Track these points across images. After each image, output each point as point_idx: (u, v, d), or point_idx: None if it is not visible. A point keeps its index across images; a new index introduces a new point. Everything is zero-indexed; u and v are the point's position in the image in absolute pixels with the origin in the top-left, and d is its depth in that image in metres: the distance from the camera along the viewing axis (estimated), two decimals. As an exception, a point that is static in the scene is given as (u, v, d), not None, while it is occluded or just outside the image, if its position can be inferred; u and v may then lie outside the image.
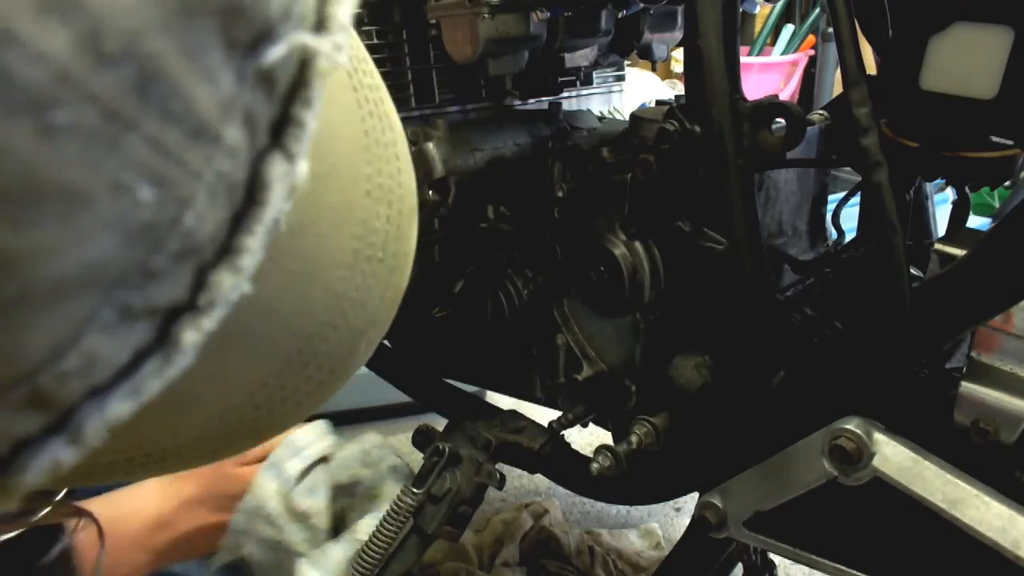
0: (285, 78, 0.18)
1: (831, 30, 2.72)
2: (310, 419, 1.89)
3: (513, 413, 0.90)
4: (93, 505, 0.69)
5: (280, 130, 0.19)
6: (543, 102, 0.93)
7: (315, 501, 0.81)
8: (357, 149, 0.28)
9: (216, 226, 0.18)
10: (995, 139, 0.53)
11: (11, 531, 0.64)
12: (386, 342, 0.96)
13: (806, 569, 0.57)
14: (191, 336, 0.18)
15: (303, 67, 0.19)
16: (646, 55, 0.90)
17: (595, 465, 0.59)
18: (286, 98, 0.19)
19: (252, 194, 0.18)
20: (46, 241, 0.15)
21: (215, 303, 0.18)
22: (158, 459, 0.27)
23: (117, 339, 0.17)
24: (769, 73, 3.06)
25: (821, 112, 0.71)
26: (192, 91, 0.17)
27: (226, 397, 0.26)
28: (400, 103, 0.83)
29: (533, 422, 0.78)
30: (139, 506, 0.75)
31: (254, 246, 0.19)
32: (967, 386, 0.50)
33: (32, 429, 0.17)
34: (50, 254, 0.16)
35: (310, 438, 0.87)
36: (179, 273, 0.18)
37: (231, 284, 0.18)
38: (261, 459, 0.82)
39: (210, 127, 0.17)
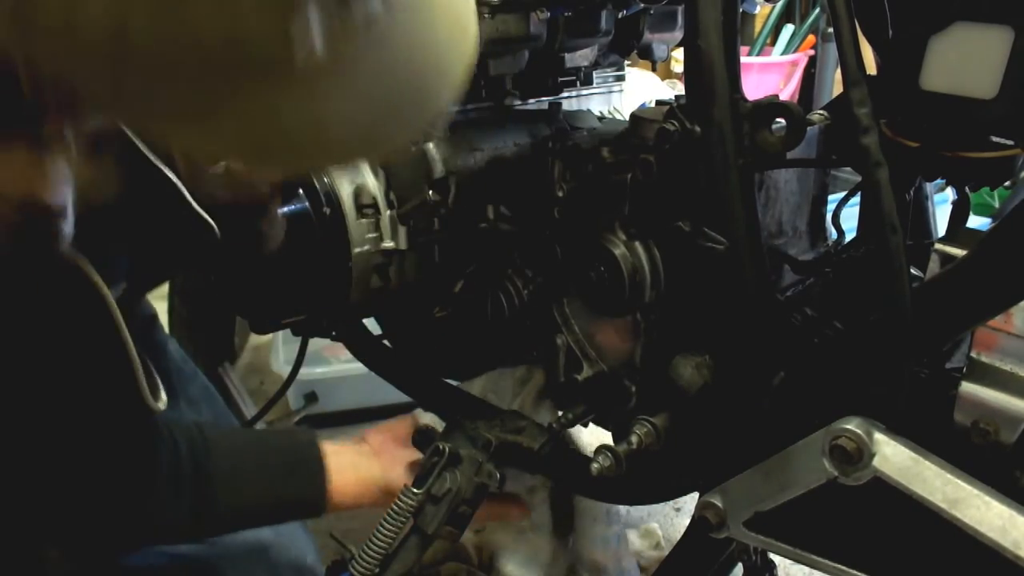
0: None
1: (831, 30, 2.71)
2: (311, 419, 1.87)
3: (513, 413, 0.90)
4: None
5: None
6: (543, 102, 0.93)
7: None
8: None
9: None
10: (995, 139, 0.53)
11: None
12: (386, 342, 0.96)
13: (806, 569, 0.57)
14: None
15: None
16: (646, 55, 0.90)
17: (595, 465, 0.59)
18: None
19: None
20: None
21: None
22: None
23: None
24: (769, 73, 3.06)
25: (821, 112, 0.71)
26: None
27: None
28: (400, 103, 0.83)
29: (533, 422, 0.78)
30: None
31: None
32: (967, 386, 0.50)
33: None
34: None
35: None
36: None
37: None
38: None
39: None
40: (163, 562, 0.78)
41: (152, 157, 0.59)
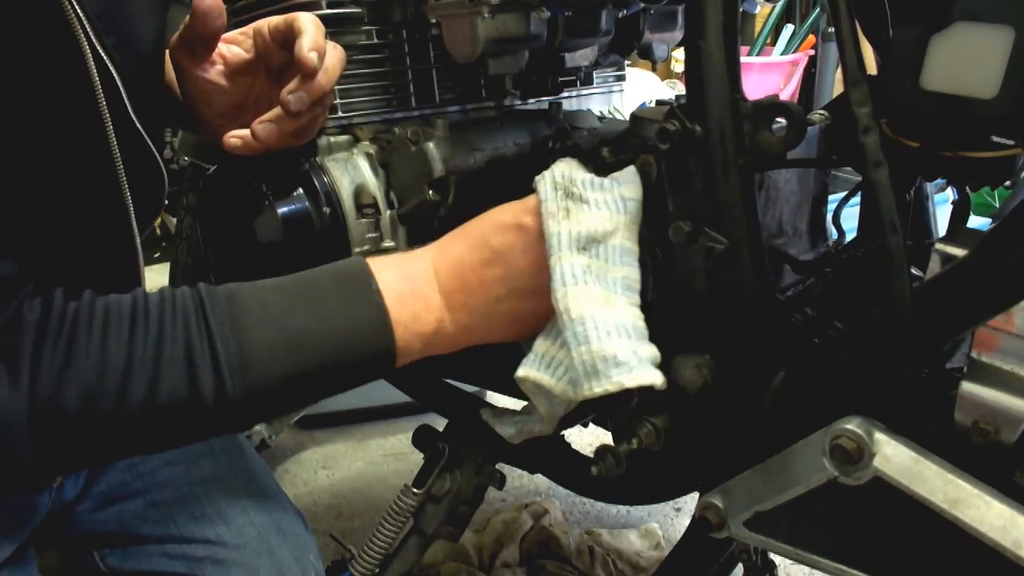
0: None
1: (831, 30, 2.72)
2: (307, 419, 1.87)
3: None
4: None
5: None
6: (543, 102, 0.93)
7: None
8: None
9: None
10: (995, 139, 0.53)
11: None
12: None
13: (806, 569, 0.58)
14: None
15: None
16: (646, 55, 0.90)
17: (595, 465, 0.59)
18: None
19: None
20: None
21: None
22: None
23: None
24: (769, 73, 3.06)
25: (821, 112, 0.71)
26: None
27: None
28: (400, 103, 0.83)
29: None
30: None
31: None
32: (967, 386, 0.50)
33: None
34: None
35: None
36: None
37: None
38: None
39: None
40: (167, 566, 0.78)
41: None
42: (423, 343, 0.59)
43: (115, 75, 0.60)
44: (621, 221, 0.57)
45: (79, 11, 0.56)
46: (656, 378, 0.54)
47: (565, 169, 0.60)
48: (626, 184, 0.59)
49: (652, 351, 0.56)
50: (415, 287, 0.59)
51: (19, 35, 0.52)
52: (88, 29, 0.57)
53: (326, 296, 0.56)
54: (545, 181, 0.59)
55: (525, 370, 0.58)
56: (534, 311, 0.60)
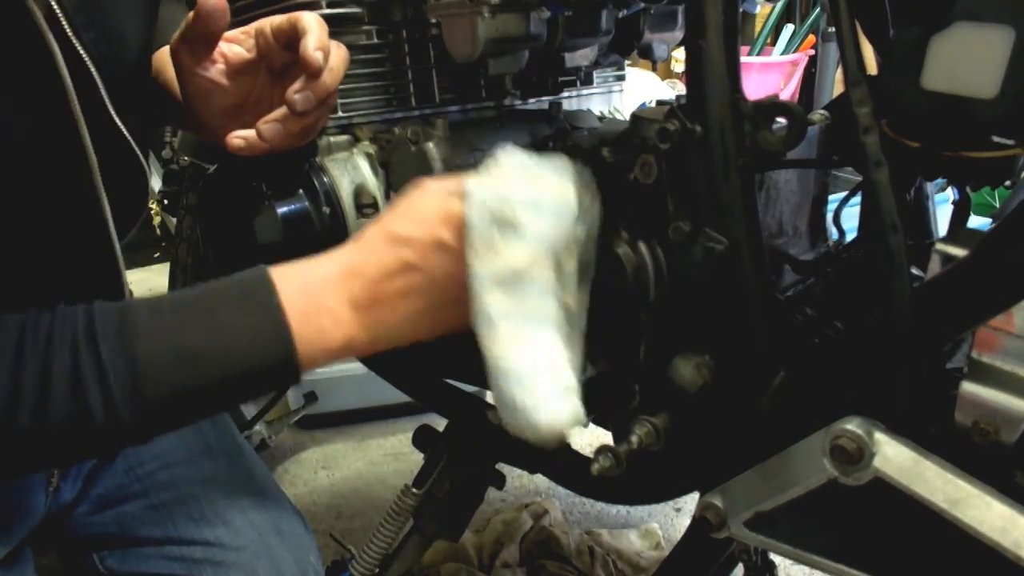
0: None
1: (831, 30, 2.72)
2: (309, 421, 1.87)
3: (513, 413, 0.90)
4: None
5: None
6: (543, 102, 0.93)
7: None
8: None
9: None
10: (996, 139, 0.53)
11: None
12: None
13: (806, 569, 0.58)
14: None
15: None
16: (646, 55, 0.90)
17: (596, 465, 0.59)
18: None
19: None
20: None
21: None
22: None
23: None
24: (769, 73, 3.06)
25: (822, 112, 0.71)
26: None
27: None
28: (400, 103, 0.83)
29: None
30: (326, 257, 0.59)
31: None
32: (968, 386, 0.50)
33: None
34: None
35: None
36: None
37: None
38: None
39: None
40: (166, 568, 0.78)
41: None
42: (329, 357, 0.57)
43: (93, 72, 0.59)
44: (543, 255, 0.56)
45: (54, 6, 0.55)
46: (576, 416, 0.56)
47: (499, 188, 0.56)
48: (557, 212, 0.57)
49: (561, 383, 0.56)
50: (319, 301, 0.56)
51: None
52: (64, 25, 0.56)
53: (224, 311, 0.54)
54: (474, 204, 0.56)
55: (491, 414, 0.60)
56: (457, 317, 0.58)
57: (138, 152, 0.67)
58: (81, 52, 0.58)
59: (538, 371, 0.55)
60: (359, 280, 0.57)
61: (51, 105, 0.56)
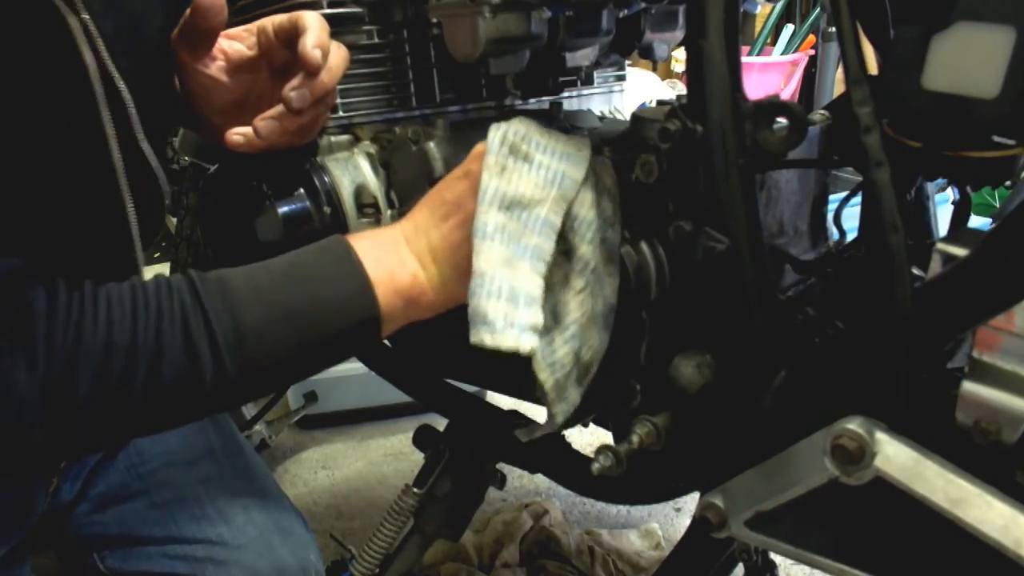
0: None
1: (831, 30, 2.72)
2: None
3: (513, 413, 0.90)
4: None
5: None
6: (544, 102, 0.93)
7: None
8: None
9: None
10: (997, 139, 0.53)
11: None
12: (386, 342, 0.96)
13: (807, 569, 0.58)
14: None
15: None
16: (647, 55, 0.90)
17: (596, 465, 0.59)
18: None
19: None
20: None
21: None
22: None
23: None
24: (769, 73, 3.06)
25: (822, 112, 0.71)
26: None
27: None
28: (401, 103, 0.83)
29: (533, 422, 0.78)
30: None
31: None
32: (969, 386, 0.50)
33: None
34: None
35: None
36: None
37: None
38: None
39: None
40: (168, 567, 0.78)
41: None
42: (404, 301, 0.61)
43: (127, 97, 0.62)
44: (551, 195, 0.59)
45: (92, 31, 0.58)
46: (520, 344, 0.56)
47: (521, 127, 0.61)
48: (571, 163, 0.60)
49: (531, 319, 0.57)
50: (386, 249, 0.62)
51: (23, 56, 0.54)
52: (101, 52, 0.59)
53: (310, 270, 0.59)
54: (497, 132, 0.61)
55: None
56: None
57: (160, 174, 0.69)
58: (115, 76, 0.61)
59: (514, 297, 0.56)
60: (414, 229, 0.63)
61: (85, 125, 0.59)
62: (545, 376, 0.58)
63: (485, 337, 0.55)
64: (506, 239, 0.57)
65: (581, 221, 0.60)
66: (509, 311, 0.56)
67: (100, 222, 0.64)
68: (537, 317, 0.57)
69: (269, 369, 0.57)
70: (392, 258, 0.61)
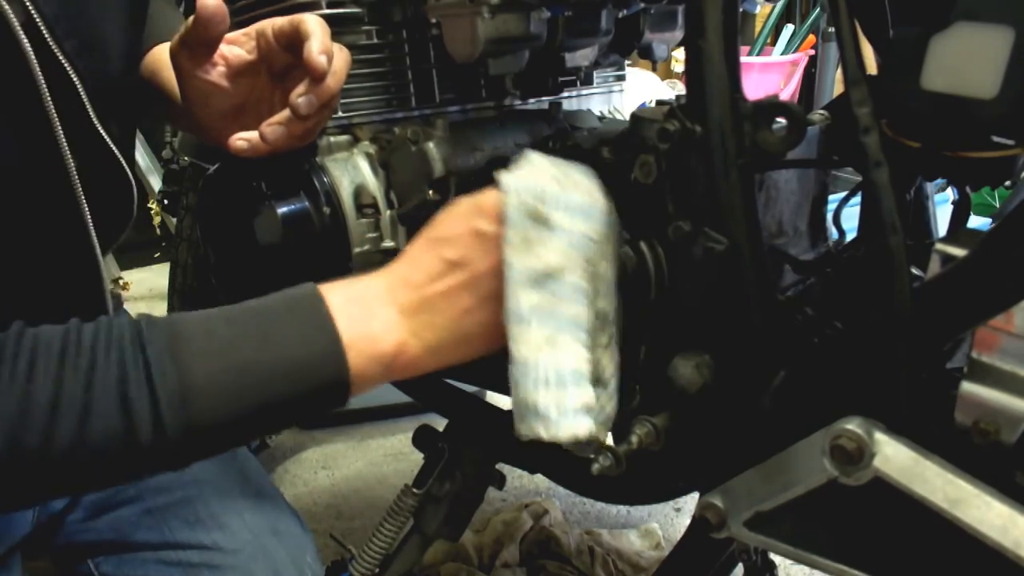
0: None
1: (831, 30, 2.72)
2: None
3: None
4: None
5: None
6: (543, 102, 0.93)
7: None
8: None
9: None
10: (996, 139, 0.53)
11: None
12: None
13: (806, 569, 0.57)
14: None
15: None
16: (646, 55, 0.90)
17: (596, 465, 0.59)
18: None
19: None
20: None
21: None
22: None
23: None
24: (769, 73, 3.06)
25: (822, 112, 0.71)
26: None
27: None
28: (400, 103, 0.83)
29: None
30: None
31: None
32: (968, 386, 0.50)
33: None
34: None
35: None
36: None
37: None
38: None
39: None
40: (163, 572, 0.78)
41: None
42: (383, 368, 0.55)
43: (75, 79, 0.60)
44: (576, 258, 0.56)
45: (34, 14, 0.56)
46: (578, 432, 0.54)
47: (532, 181, 0.56)
48: (589, 220, 0.57)
49: (583, 399, 0.55)
50: (364, 307, 0.55)
51: None
52: (43, 32, 0.57)
53: (274, 324, 0.52)
54: (512, 199, 0.55)
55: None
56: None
57: (121, 159, 0.67)
58: (62, 59, 0.59)
59: (562, 380, 0.54)
60: (405, 287, 0.56)
61: (27, 110, 0.56)
62: (597, 433, 0.56)
63: (540, 431, 0.53)
64: (544, 318, 0.54)
65: (600, 278, 0.58)
66: (560, 398, 0.53)
67: (51, 217, 0.60)
68: (588, 395, 0.55)
69: (217, 431, 0.50)
70: (373, 320, 0.54)
